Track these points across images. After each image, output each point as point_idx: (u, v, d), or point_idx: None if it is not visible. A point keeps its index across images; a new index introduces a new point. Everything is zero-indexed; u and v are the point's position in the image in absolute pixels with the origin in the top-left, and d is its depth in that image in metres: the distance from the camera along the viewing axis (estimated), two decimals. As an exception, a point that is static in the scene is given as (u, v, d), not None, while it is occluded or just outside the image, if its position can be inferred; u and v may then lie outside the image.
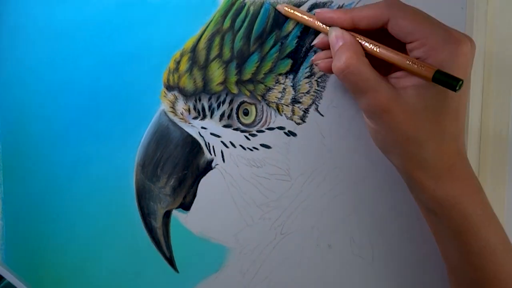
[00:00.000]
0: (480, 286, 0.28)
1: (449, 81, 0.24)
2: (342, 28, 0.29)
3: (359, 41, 0.28)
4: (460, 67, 0.25)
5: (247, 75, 0.36)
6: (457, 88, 0.24)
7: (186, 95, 0.38)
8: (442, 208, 0.28)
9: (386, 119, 0.27)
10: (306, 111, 0.36)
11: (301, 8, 0.35)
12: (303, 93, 0.36)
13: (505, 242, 0.27)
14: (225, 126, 0.38)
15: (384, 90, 0.26)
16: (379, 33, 0.28)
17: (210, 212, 0.39)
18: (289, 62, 0.35)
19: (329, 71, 0.30)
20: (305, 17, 0.32)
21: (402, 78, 0.27)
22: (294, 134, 0.36)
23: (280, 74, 0.36)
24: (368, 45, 0.28)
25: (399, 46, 0.27)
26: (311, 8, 0.35)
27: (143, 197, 0.40)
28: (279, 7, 0.34)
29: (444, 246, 0.30)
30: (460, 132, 0.27)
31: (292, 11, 0.33)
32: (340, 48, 0.28)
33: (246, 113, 0.37)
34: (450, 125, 0.27)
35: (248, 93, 0.36)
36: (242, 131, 0.37)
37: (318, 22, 0.31)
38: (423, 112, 0.26)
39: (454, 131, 0.27)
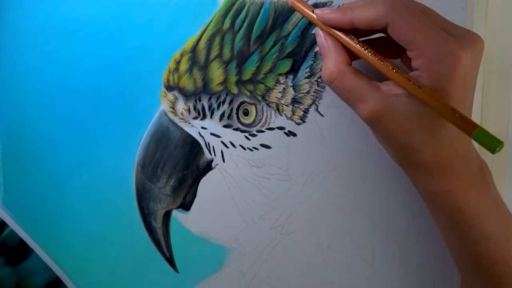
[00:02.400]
0: (481, 272, 0.29)
1: (487, 143, 0.23)
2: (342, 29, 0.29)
3: (355, 45, 0.27)
4: (457, 79, 0.25)
5: (247, 75, 0.36)
6: (497, 149, 0.23)
7: (186, 95, 0.38)
8: (435, 201, 0.29)
9: (377, 128, 0.27)
10: (306, 111, 0.36)
11: (301, 8, 0.35)
12: (303, 93, 0.36)
13: (501, 231, 0.28)
14: (225, 126, 0.38)
15: (372, 101, 0.26)
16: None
17: (210, 212, 0.39)
18: (289, 62, 0.35)
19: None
20: (308, 12, 0.30)
21: (395, 86, 0.26)
22: (294, 134, 0.36)
23: (280, 74, 0.36)
24: (367, 53, 0.27)
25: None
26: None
27: (143, 197, 0.40)
28: None
29: (444, 234, 0.31)
30: (456, 133, 0.27)
31: (298, 3, 0.31)
32: (324, 59, 0.29)
33: (246, 113, 0.37)
34: (444, 128, 0.26)
35: (248, 93, 0.36)
36: (242, 131, 0.37)
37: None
38: (414, 119, 0.26)
39: (448, 133, 0.27)
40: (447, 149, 0.27)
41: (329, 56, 0.28)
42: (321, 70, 0.34)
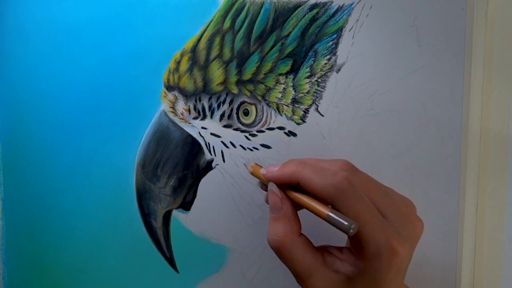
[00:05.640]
0: None
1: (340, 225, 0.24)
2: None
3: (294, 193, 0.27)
4: (392, 270, 0.25)
5: (247, 75, 0.36)
6: (351, 231, 0.24)
7: (186, 95, 0.38)
8: None
9: None
10: (306, 111, 0.36)
11: (301, 8, 0.35)
12: (303, 93, 0.36)
13: None
14: (225, 126, 0.38)
15: (317, 277, 0.26)
16: None
17: (210, 212, 0.39)
18: (289, 62, 0.35)
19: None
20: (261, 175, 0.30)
21: (337, 261, 0.27)
22: (294, 134, 0.36)
23: (280, 74, 0.36)
24: (298, 195, 0.27)
25: None
26: (311, 8, 0.35)
27: (143, 197, 0.40)
28: (248, 166, 0.33)
29: None
30: None
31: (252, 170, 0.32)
32: (274, 222, 0.28)
33: (246, 113, 0.37)
34: None
35: (248, 93, 0.36)
36: (242, 131, 0.37)
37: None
38: None
39: None
40: None
41: (281, 222, 0.28)
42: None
